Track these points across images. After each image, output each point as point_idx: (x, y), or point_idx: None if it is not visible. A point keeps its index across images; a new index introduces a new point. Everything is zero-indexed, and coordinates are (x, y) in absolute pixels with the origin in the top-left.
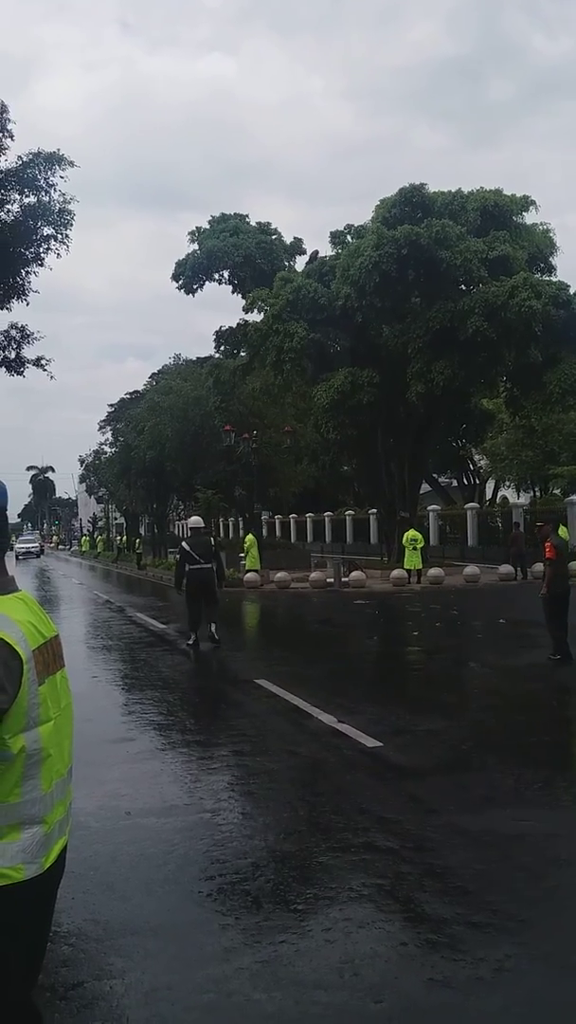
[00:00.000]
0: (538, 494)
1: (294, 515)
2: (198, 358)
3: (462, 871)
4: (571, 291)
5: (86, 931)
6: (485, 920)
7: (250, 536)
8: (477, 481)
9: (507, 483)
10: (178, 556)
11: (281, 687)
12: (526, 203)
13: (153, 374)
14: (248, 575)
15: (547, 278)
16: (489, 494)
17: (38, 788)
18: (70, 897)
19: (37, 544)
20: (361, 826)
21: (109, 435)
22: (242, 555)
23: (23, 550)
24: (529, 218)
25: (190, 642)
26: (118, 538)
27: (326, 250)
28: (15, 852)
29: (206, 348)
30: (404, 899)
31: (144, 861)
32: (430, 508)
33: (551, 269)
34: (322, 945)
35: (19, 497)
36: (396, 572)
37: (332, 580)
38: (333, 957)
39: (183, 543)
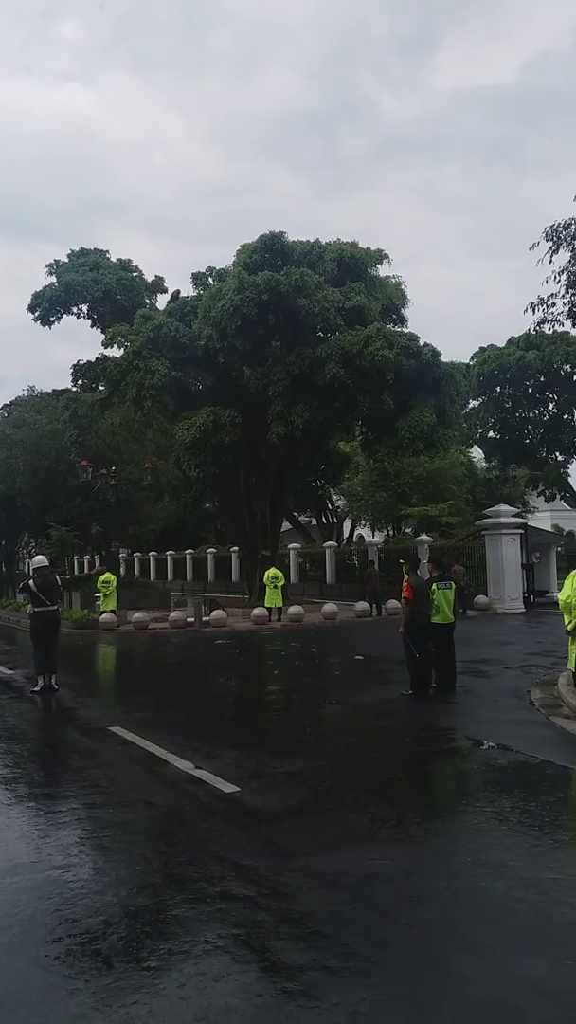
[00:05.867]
0: (391, 533)
1: (154, 552)
2: (54, 390)
3: (317, 915)
4: (420, 342)
5: None
6: (340, 964)
7: (108, 575)
8: (335, 520)
9: (363, 522)
10: (24, 596)
11: (136, 734)
12: (379, 256)
13: (5, 405)
14: (104, 616)
15: (399, 329)
16: (347, 532)
17: None
18: None
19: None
20: (217, 875)
21: None
22: (97, 595)
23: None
24: (382, 271)
25: (36, 688)
26: None
27: (187, 290)
28: None
29: (63, 381)
30: (260, 948)
31: None
32: (291, 546)
33: (403, 320)
34: (176, 1003)
35: None
36: (257, 610)
37: (192, 619)
38: (187, 1016)
39: (30, 583)
